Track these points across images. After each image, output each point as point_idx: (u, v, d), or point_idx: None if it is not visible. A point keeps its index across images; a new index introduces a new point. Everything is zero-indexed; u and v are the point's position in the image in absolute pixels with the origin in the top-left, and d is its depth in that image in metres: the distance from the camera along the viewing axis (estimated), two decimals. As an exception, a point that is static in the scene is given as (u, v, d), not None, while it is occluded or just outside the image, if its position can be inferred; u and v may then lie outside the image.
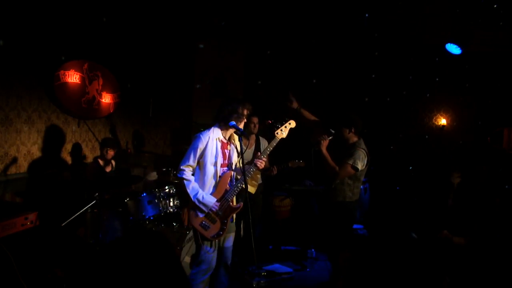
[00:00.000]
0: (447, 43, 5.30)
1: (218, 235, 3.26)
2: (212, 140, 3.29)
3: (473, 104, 6.67)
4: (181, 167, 3.28)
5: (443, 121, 6.83)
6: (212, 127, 3.36)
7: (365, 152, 3.84)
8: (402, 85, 6.75)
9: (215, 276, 3.40)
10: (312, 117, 4.09)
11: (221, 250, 3.37)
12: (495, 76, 6.46)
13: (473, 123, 6.64)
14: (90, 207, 4.08)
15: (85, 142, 5.33)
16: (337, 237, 3.95)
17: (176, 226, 4.31)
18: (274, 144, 3.44)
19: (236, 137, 3.46)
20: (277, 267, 4.68)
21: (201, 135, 3.30)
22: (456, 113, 6.82)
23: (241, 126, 3.35)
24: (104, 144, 4.63)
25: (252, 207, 4.67)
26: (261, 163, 3.36)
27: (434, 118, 6.93)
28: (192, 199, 3.24)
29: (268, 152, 3.42)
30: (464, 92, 6.63)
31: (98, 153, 5.40)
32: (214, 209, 3.26)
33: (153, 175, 5.37)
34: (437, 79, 6.61)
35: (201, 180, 3.31)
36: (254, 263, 3.39)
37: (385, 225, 5.57)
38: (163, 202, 4.45)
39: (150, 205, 4.30)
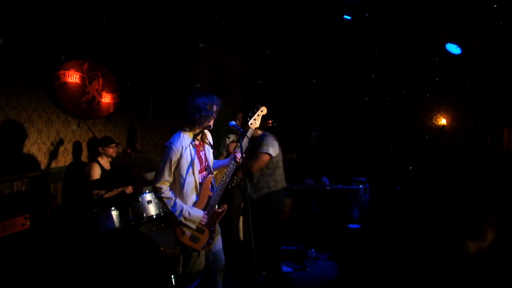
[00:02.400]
0: (447, 43, 5.30)
1: (208, 244, 3.08)
2: (185, 147, 2.97)
3: (473, 104, 6.67)
4: (157, 185, 2.95)
5: (443, 121, 6.84)
6: (180, 132, 3.03)
7: (273, 138, 3.78)
8: (402, 85, 6.75)
9: (210, 283, 3.20)
10: None
11: (212, 255, 3.17)
12: (495, 76, 6.47)
13: (473, 123, 6.64)
14: (90, 207, 4.08)
15: (85, 142, 5.33)
16: (270, 230, 3.81)
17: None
18: (249, 136, 3.26)
19: (208, 134, 3.21)
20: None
21: (172, 146, 2.94)
22: (456, 113, 6.83)
23: (211, 123, 3.05)
24: (108, 142, 4.62)
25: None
26: (238, 157, 3.12)
27: (434, 118, 6.94)
28: (178, 217, 2.94)
29: (245, 144, 3.18)
30: (464, 92, 6.64)
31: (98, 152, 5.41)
32: (203, 222, 3.03)
33: (153, 175, 5.37)
34: (437, 79, 6.61)
35: (180, 193, 2.99)
36: (254, 263, 3.36)
37: (385, 225, 5.57)
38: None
39: (150, 205, 4.30)
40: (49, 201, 4.59)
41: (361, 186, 5.76)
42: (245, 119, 3.75)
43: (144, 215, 4.24)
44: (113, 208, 4.17)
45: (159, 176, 2.97)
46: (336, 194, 5.43)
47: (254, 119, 3.31)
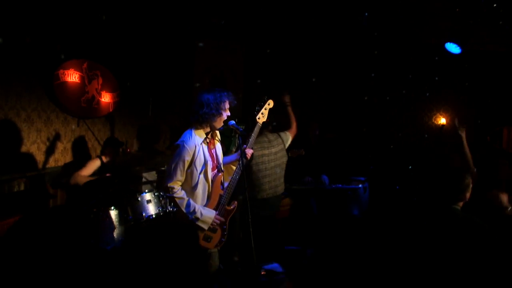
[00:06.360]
0: (447, 42, 5.30)
1: (221, 242, 3.07)
2: (198, 145, 2.93)
3: (473, 103, 6.67)
4: (169, 185, 2.90)
5: (442, 120, 6.84)
6: (191, 130, 3.00)
7: None
8: (401, 84, 6.75)
9: None
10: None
11: (208, 256, 3.13)
12: (494, 75, 6.46)
13: (472, 122, 6.64)
14: (89, 206, 4.07)
15: (84, 141, 5.32)
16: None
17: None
18: (257, 131, 3.21)
19: (217, 132, 3.17)
20: (277, 266, 4.67)
21: (185, 145, 2.89)
22: (456, 112, 6.83)
23: (220, 123, 3.03)
24: (116, 144, 4.65)
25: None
26: (249, 153, 3.14)
27: (434, 117, 6.94)
28: (190, 217, 2.89)
29: (253, 140, 3.17)
30: (464, 91, 6.64)
31: (97, 152, 5.40)
32: (215, 223, 3.00)
33: (152, 175, 5.37)
34: (436, 78, 6.61)
35: (192, 192, 2.97)
36: (253, 263, 3.36)
37: (385, 225, 5.58)
38: (163, 202, 4.43)
39: (150, 204, 4.29)
40: (48, 200, 4.58)
41: (360, 185, 5.76)
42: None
43: (144, 214, 4.22)
44: (112, 208, 4.17)
45: (171, 175, 2.90)
46: (336, 193, 5.43)
47: (262, 113, 3.23)
